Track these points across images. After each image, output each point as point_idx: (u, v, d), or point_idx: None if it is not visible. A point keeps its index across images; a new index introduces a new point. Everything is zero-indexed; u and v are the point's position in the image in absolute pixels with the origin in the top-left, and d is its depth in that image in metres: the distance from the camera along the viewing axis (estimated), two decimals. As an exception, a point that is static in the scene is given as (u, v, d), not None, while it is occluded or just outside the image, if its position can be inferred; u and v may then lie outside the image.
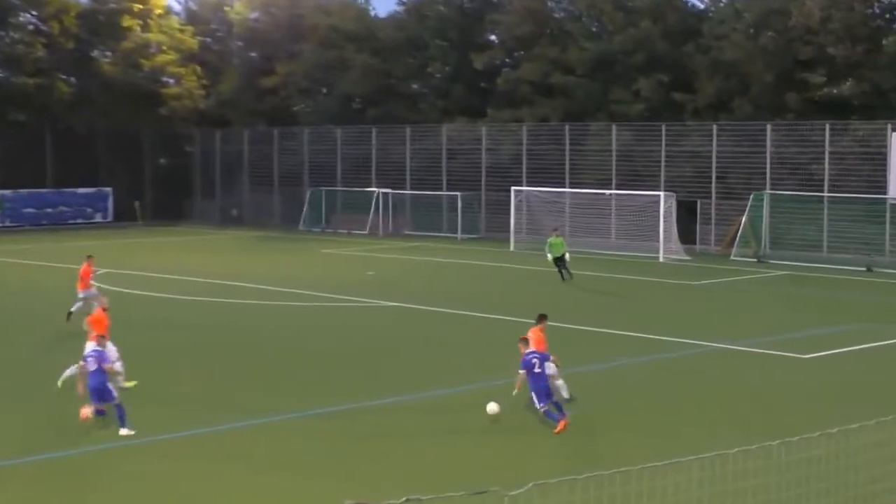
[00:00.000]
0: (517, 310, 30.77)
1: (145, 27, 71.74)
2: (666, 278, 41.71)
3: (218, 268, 43.89)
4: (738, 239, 49.05)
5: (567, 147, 57.24)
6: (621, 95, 57.18)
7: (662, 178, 53.56)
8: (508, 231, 53.08)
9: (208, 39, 78.96)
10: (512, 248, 51.40)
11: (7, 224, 64.70)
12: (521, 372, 18.89)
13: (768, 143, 50.80)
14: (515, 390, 19.09)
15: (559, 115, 59.33)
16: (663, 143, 53.97)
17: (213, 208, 71.65)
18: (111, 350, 20.38)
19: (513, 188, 54.11)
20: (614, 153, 55.66)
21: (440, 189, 61.50)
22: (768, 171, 50.65)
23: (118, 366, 20.46)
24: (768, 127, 50.97)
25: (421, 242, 56.72)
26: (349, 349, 26.42)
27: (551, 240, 40.29)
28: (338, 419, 19.55)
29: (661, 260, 47.63)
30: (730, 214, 51.49)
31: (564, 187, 55.76)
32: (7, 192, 65.16)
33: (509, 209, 53.64)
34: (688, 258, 47.85)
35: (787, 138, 50.62)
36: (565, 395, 20.16)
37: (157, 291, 36.41)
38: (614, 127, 56.01)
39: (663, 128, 54.11)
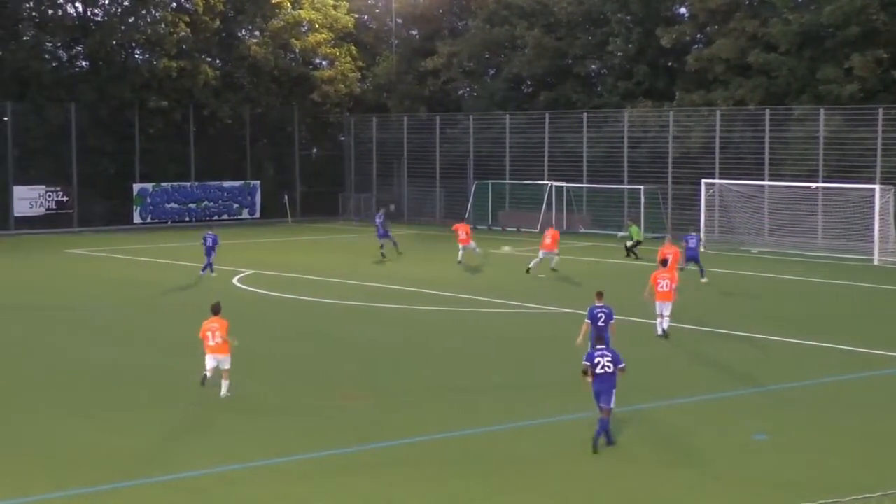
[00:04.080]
0: (709, 319, 30.69)
1: (296, 3, 73.56)
2: (882, 284, 40.83)
3: (373, 269, 44.81)
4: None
5: (767, 134, 56.45)
6: (831, 74, 56.09)
7: (878, 170, 52.35)
8: (698, 230, 52.56)
9: (364, 17, 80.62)
10: (702, 248, 50.91)
11: (148, 221, 67.32)
12: (587, 322, 23.57)
13: None
14: (580, 338, 23.53)
15: (758, 97, 58.56)
16: (880, 128, 52.74)
17: (369, 203, 72.99)
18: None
19: (703, 181, 53.67)
20: (822, 141, 54.64)
21: (621, 182, 61.38)
22: None
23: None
24: None
25: (599, 242, 56.69)
26: (523, 360, 26.76)
27: (632, 227, 49.24)
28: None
29: (875, 263, 46.63)
30: (959, 211, 50.04)
31: (763, 180, 54.98)
32: (148, 185, 67.77)
33: (699, 205, 53.22)
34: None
35: None
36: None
37: (310, 295, 37.48)
38: (822, 111, 54.98)
39: (880, 111, 52.87)
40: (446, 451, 19.12)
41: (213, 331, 22.90)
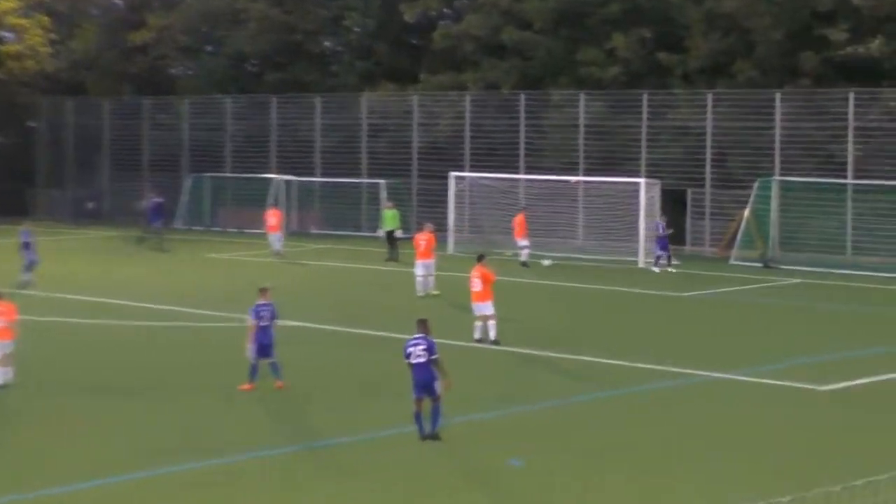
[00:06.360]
0: (452, 330, 30.64)
1: (-24, -34, 70.97)
2: (646, 289, 41.81)
3: (68, 278, 43.47)
4: (738, 238, 49.32)
5: (522, 121, 57.32)
6: (592, 56, 57.31)
7: (643, 161, 53.75)
8: (446, 229, 52.79)
9: (58, -17, 78.37)
10: (451, 250, 51.28)
11: None
12: (252, 321, 24.91)
13: (777, 116, 51.18)
14: (248, 338, 24.96)
15: (512, 80, 59.37)
16: (645, 116, 54.19)
17: (64, 201, 70.98)
18: None
19: (452, 174, 53.98)
20: (582, 129, 55.79)
21: (358, 175, 61.38)
22: (777, 151, 51.01)
23: None
24: (777, 96, 51.35)
25: (334, 244, 56.50)
26: (222, 383, 26.11)
27: (385, 211, 51.20)
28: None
29: (640, 265, 47.73)
30: (729, 207, 51.75)
31: (518, 173, 55.78)
32: None
33: (447, 201, 53.51)
34: (675, 263, 47.95)
35: (801, 109, 50.97)
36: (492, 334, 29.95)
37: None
38: (583, 96, 56.14)
39: (645, 97, 54.32)
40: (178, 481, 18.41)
41: None
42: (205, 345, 31.29)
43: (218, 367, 27.76)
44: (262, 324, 24.87)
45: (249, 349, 24.96)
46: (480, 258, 31.62)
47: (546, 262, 47.38)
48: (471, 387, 25.33)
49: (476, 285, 30.55)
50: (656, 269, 46.28)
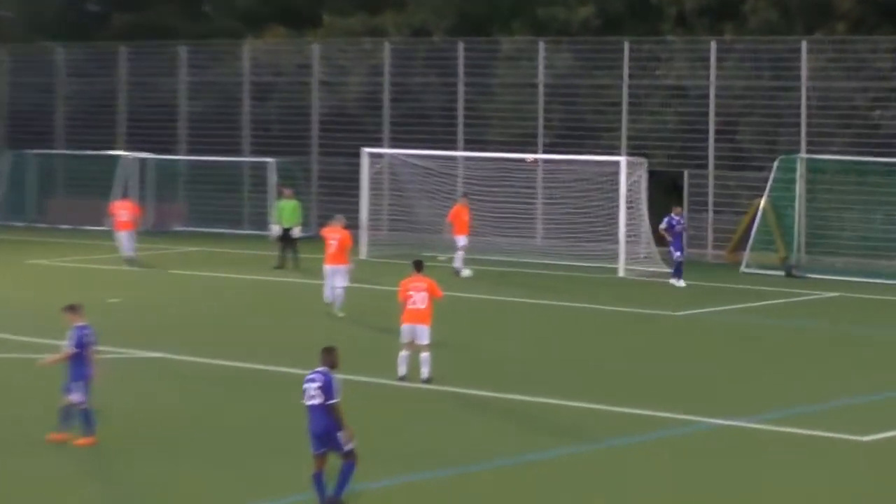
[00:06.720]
0: (367, 363, 30.43)
1: None
2: (630, 306, 41.84)
3: None
4: (752, 237, 49.53)
5: (461, 79, 57.33)
6: (555, -8, 57.59)
7: (624, 133, 53.89)
8: (357, 225, 52.53)
9: None
10: (363, 253, 51.09)
11: None
12: (71, 350, 24.58)
13: (804, 72, 51.44)
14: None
15: (447, 24, 59.43)
16: (626, 71, 54.24)
17: None
18: None
19: (366, 150, 53.77)
20: (542, 89, 55.82)
21: (238, 152, 61.48)
22: (804, 120, 51.25)
23: None
24: (803, 45, 51.61)
25: (206, 246, 56.32)
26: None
27: (282, 203, 50.95)
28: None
29: (620, 274, 47.80)
30: (739, 194, 51.92)
31: (456, 149, 55.71)
32: None
33: (359, 187, 53.30)
34: (667, 270, 47.92)
35: (832, 64, 51.26)
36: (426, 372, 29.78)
37: None
38: (542, 45, 56.13)
39: (626, 47, 54.34)
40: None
41: None
42: (11, 382, 30.92)
43: (32, 408, 27.40)
44: (85, 352, 24.80)
45: (72, 387, 24.48)
46: (419, 266, 30.95)
47: (465, 273, 47.07)
48: (391, 440, 25.22)
49: (418, 301, 29.87)
50: (682, 283, 45.86)
